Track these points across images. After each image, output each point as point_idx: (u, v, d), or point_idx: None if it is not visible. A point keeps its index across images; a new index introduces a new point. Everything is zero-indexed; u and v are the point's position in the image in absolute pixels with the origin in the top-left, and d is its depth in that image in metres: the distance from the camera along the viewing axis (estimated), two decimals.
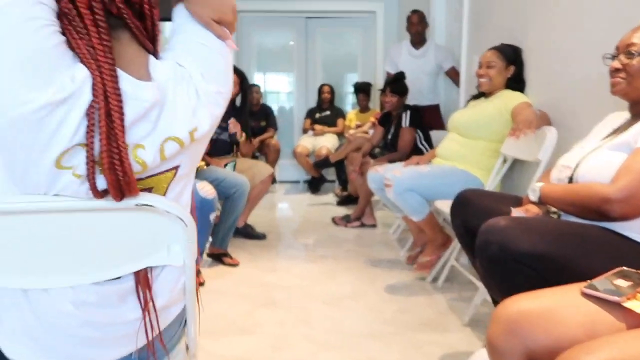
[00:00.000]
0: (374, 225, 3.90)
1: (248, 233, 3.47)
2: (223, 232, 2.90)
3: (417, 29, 4.15)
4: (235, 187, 2.87)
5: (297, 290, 2.57)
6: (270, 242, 3.46)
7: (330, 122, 5.64)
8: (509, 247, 1.25)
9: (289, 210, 4.83)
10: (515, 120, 2.34)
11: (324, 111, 5.72)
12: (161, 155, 0.81)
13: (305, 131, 5.72)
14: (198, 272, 2.59)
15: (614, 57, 1.45)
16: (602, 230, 1.32)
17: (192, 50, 0.86)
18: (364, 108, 5.46)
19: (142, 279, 0.87)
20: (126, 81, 0.76)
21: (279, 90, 6.47)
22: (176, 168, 0.87)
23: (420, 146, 3.58)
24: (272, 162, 5.07)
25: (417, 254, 2.85)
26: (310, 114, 5.81)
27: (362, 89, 5.39)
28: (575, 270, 1.20)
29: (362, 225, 3.89)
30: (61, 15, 0.73)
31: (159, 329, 0.91)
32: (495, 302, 1.54)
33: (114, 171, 0.73)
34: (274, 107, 6.29)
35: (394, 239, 3.56)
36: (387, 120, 3.87)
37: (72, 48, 0.72)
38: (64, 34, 0.73)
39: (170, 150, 0.81)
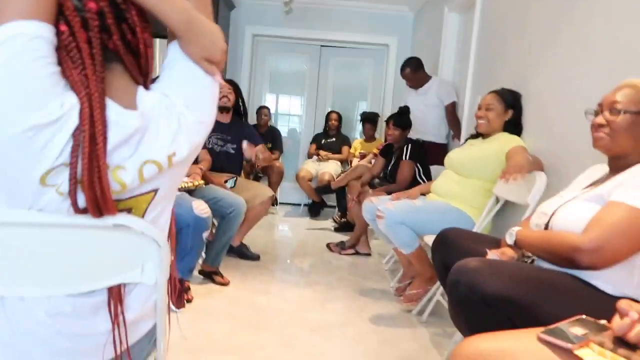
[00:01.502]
0: (368, 254, 3.93)
1: (242, 253, 3.52)
2: (216, 250, 2.96)
3: (411, 82, 4.20)
4: (231, 207, 2.93)
5: (285, 314, 2.60)
6: (264, 264, 3.50)
7: (335, 148, 5.72)
8: (477, 288, 1.29)
9: (287, 232, 4.88)
10: (506, 164, 2.39)
11: (330, 137, 5.81)
12: (140, 177, 0.87)
13: (310, 156, 5.80)
14: (187, 289, 2.64)
15: (596, 113, 1.50)
16: (570, 277, 1.36)
17: (180, 83, 0.94)
18: (369, 138, 5.53)
19: (115, 294, 0.93)
20: (113, 109, 0.83)
21: (290, 112, 6.59)
22: (155, 190, 0.93)
23: (419, 179, 3.63)
24: (275, 184, 5.14)
25: (406, 286, 2.88)
26: (316, 139, 5.90)
27: (369, 119, 5.47)
28: (540, 315, 1.24)
29: (357, 253, 3.92)
30: (60, 48, 0.80)
31: (127, 342, 0.96)
32: None
33: (92, 189, 0.80)
34: (284, 129, 6.40)
35: (386, 269, 3.59)
36: (388, 152, 3.94)
37: (66, 77, 0.80)
38: (61, 64, 0.80)
39: (149, 172, 0.88)
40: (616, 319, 1.02)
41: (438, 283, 2.64)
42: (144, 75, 0.92)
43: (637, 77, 1.49)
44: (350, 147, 5.74)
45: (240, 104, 3.54)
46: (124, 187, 0.86)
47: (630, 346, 0.98)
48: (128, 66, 0.88)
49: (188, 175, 2.90)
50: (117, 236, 0.89)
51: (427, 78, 4.21)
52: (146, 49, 0.91)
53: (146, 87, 0.93)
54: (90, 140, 0.78)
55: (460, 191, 2.71)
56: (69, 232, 0.86)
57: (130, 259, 0.93)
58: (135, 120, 0.84)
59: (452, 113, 4.06)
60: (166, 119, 0.89)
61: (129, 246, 0.91)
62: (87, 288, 0.91)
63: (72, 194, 0.80)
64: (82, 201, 0.82)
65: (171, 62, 0.96)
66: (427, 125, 4.16)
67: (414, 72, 4.15)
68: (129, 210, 0.92)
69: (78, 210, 0.82)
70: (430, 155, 3.84)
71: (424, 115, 4.10)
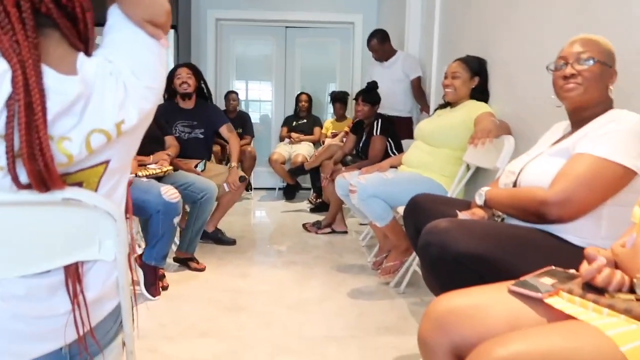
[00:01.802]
0: (345, 232, 3.93)
1: (218, 238, 3.48)
2: (190, 236, 2.91)
3: (378, 54, 4.18)
4: (203, 192, 2.88)
5: (263, 295, 2.58)
6: (241, 248, 3.47)
7: (307, 130, 5.68)
8: (448, 248, 1.28)
9: (263, 216, 4.85)
10: (475, 129, 2.40)
11: (301, 119, 5.76)
12: (87, 147, 0.83)
13: (282, 139, 5.75)
14: (162, 277, 2.60)
15: (559, 67, 1.49)
16: (539, 232, 1.36)
17: (123, 48, 0.89)
18: (340, 117, 5.51)
19: (72, 273, 0.89)
20: (50, 76, 0.78)
21: (260, 98, 6.50)
22: (107, 162, 0.89)
23: (391, 154, 3.62)
24: (248, 170, 5.10)
25: (383, 260, 2.89)
26: (287, 122, 5.85)
27: (339, 98, 5.44)
28: (512, 270, 1.24)
29: (333, 231, 3.92)
30: None
31: (89, 323, 0.92)
32: None
33: (34, 161, 0.75)
34: (255, 116, 6.32)
35: (363, 246, 3.60)
36: (359, 128, 3.92)
37: None
38: None
39: (97, 142, 0.83)
40: (584, 265, 1.03)
41: (414, 254, 2.66)
42: (83, 42, 0.87)
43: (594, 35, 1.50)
44: (321, 127, 5.71)
45: (203, 85, 3.46)
46: (70, 159, 0.82)
47: (598, 290, 0.98)
48: (65, 32, 0.83)
49: (155, 162, 2.84)
50: (68, 212, 0.85)
51: (393, 51, 4.19)
52: (84, 13, 0.86)
53: (87, 54, 0.88)
54: (26, 109, 0.74)
55: (431, 161, 2.71)
56: (16, 209, 0.82)
57: (85, 236, 0.89)
58: (76, 86, 0.80)
59: (418, 88, 4.06)
60: (112, 85, 0.85)
61: (82, 222, 0.87)
62: (40, 268, 0.86)
63: (11, 169, 0.76)
64: (24, 176, 0.77)
65: (112, 26, 0.91)
66: (393, 100, 4.12)
67: (381, 43, 4.13)
68: (79, 185, 0.87)
69: (20, 186, 0.78)
70: (399, 131, 3.84)
71: (390, 89, 4.06)
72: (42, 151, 0.76)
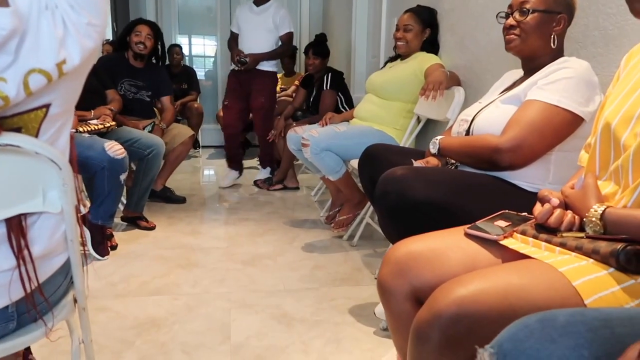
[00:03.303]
0: (296, 188, 3.92)
1: (167, 197, 3.39)
2: (138, 194, 2.81)
3: None
4: (150, 147, 2.77)
5: (215, 251, 2.55)
6: (191, 206, 3.40)
7: None
8: (405, 196, 1.29)
9: (212, 174, 4.76)
10: (425, 81, 2.40)
11: None
12: (26, 89, 0.76)
13: None
14: (110, 236, 2.50)
15: (507, 15, 1.51)
16: (492, 178, 1.39)
17: None
18: (289, 72, 5.39)
19: (15, 226, 0.83)
20: None
21: (205, 53, 6.27)
22: (47, 106, 0.82)
23: (342, 109, 3.61)
24: (195, 126, 4.96)
25: (335, 214, 2.90)
26: None
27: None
28: (467, 216, 1.26)
29: (285, 188, 3.90)
30: None
31: (37, 279, 0.87)
32: None
33: None
34: (200, 72, 6.10)
35: (315, 201, 3.61)
36: (309, 82, 3.86)
37: None
38: None
39: (36, 83, 0.76)
40: (537, 207, 1.05)
41: (367, 207, 2.68)
42: None
43: None
44: None
45: (159, 47, 3.26)
46: (6, 102, 0.75)
47: (550, 231, 1.01)
48: None
49: (97, 117, 2.70)
50: (6, 160, 0.79)
51: None
52: None
53: None
54: None
55: (383, 114, 2.71)
56: None
57: (27, 186, 0.83)
58: (8, 19, 0.72)
59: (288, 45, 3.87)
60: (49, 20, 0.77)
61: (23, 171, 0.81)
62: None
63: None
64: None
65: None
66: (261, 48, 3.82)
67: None
68: (18, 131, 0.80)
69: None
70: (261, 85, 3.79)
71: (256, 35, 3.81)
72: None
